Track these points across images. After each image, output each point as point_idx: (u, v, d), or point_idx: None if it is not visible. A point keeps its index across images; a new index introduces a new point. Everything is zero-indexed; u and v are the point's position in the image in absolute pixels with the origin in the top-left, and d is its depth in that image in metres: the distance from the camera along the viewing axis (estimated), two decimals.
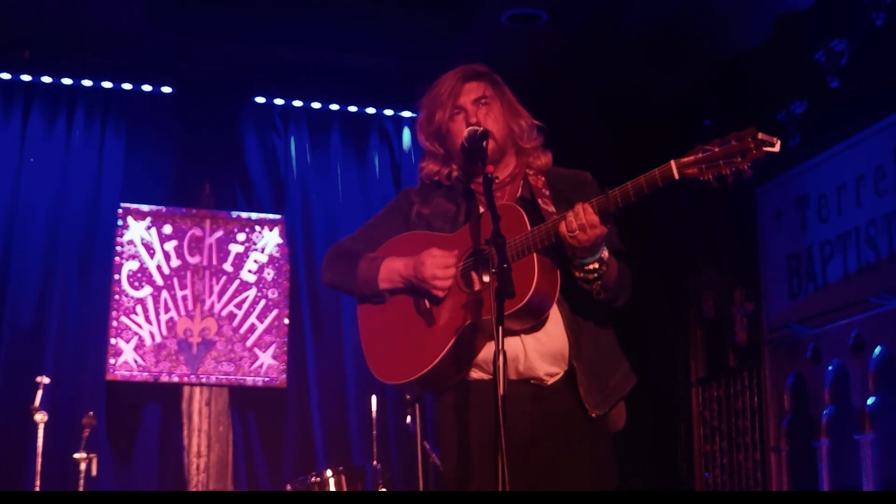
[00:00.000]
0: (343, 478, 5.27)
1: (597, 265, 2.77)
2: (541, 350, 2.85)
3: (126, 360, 6.49)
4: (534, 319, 2.82)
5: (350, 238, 3.20)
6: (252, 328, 6.74)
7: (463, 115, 3.00)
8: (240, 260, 6.81)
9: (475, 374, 2.92)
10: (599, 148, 6.75)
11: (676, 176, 2.62)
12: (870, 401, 5.31)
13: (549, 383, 2.88)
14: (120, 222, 6.64)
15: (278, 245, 6.88)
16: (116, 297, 6.55)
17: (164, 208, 6.77)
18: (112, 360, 6.45)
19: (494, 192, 2.85)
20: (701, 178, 2.60)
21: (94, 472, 5.29)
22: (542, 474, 2.78)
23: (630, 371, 2.99)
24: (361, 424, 6.45)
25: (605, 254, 2.79)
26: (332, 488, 5.23)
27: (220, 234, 6.82)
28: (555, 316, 2.86)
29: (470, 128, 2.95)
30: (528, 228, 2.80)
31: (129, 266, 6.63)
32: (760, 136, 2.54)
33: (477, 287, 2.87)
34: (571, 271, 2.79)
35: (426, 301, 2.93)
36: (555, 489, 2.79)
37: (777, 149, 2.56)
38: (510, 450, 2.44)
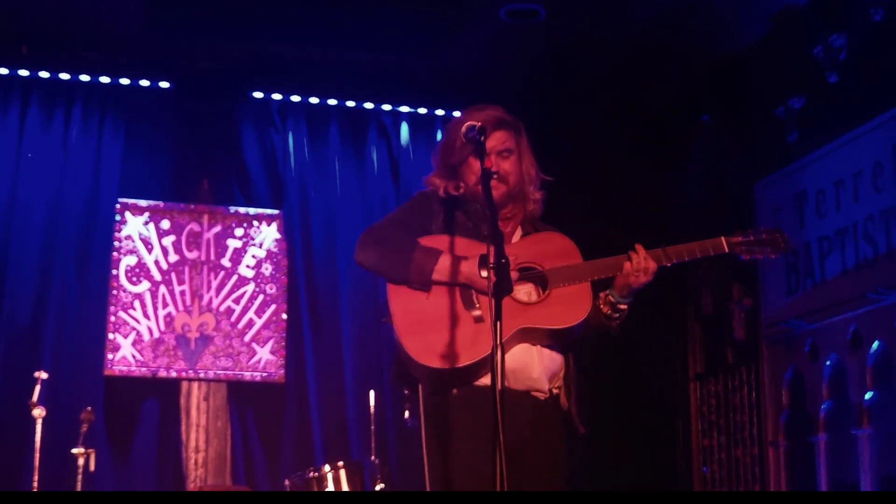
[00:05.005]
0: (341, 473, 5.26)
1: (625, 307, 3.16)
2: (548, 366, 3.12)
3: (124, 355, 6.49)
4: (562, 340, 3.12)
5: (392, 225, 3.23)
6: (250, 323, 6.74)
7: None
8: (238, 255, 6.81)
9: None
10: (598, 143, 6.74)
11: (727, 249, 3.20)
12: (867, 396, 5.31)
13: (543, 399, 3.13)
14: (118, 217, 6.64)
15: (276, 240, 6.88)
16: (114, 292, 6.55)
17: (161, 203, 6.76)
18: (110, 356, 6.45)
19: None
20: (741, 255, 3.22)
21: (92, 467, 5.29)
22: (523, 480, 2.93)
23: None
24: (359, 420, 6.45)
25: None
26: (331, 484, 5.23)
27: (217, 229, 6.82)
28: None
29: (468, 123, 3.01)
30: (580, 258, 3.13)
31: (127, 261, 6.63)
32: (787, 238, 3.30)
33: (525, 299, 3.10)
34: (600, 306, 3.15)
35: (478, 300, 3.06)
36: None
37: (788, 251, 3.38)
38: (507, 452, 2.59)
